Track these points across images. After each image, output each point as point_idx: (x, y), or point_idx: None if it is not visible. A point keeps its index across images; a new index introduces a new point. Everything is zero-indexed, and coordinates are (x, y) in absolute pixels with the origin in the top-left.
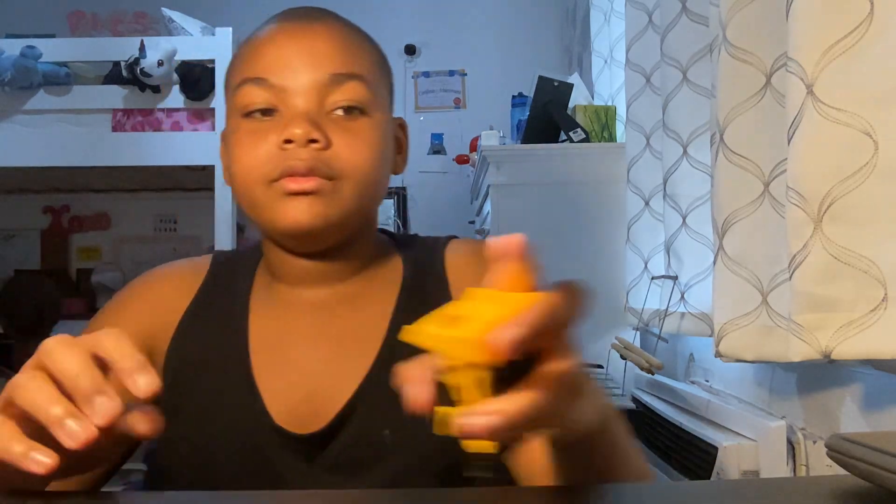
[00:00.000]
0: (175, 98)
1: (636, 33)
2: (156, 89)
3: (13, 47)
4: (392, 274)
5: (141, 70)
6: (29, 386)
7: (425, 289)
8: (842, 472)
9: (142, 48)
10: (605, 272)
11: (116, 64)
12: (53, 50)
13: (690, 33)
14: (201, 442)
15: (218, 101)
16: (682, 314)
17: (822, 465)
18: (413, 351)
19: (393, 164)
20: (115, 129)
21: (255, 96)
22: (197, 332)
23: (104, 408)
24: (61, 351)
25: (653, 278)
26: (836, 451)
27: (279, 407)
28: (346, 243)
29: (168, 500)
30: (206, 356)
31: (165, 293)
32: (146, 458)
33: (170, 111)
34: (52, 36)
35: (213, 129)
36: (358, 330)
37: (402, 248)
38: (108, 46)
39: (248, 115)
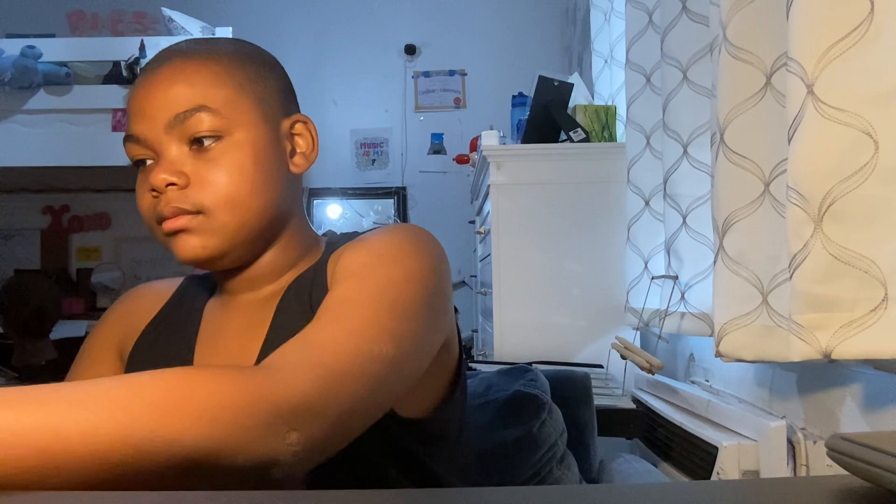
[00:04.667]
0: None
1: (636, 33)
2: None
3: (13, 47)
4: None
5: (141, 70)
6: None
7: (312, 276)
8: (842, 472)
9: (142, 48)
10: (605, 272)
11: (116, 64)
12: (53, 50)
13: (691, 33)
14: None
15: None
16: (683, 314)
17: (822, 465)
18: (293, 317)
19: (291, 164)
20: (115, 129)
21: (131, 151)
22: (155, 338)
23: None
24: None
25: (653, 278)
26: (836, 451)
27: None
28: (260, 253)
29: (163, 499)
30: (161, 355)
31: (138, 306)
32: None
33: None
34: (52, 36)
35: None
36: (264, 320)
37: (332, 245)
38: (108, 46)
39: (137, 166)
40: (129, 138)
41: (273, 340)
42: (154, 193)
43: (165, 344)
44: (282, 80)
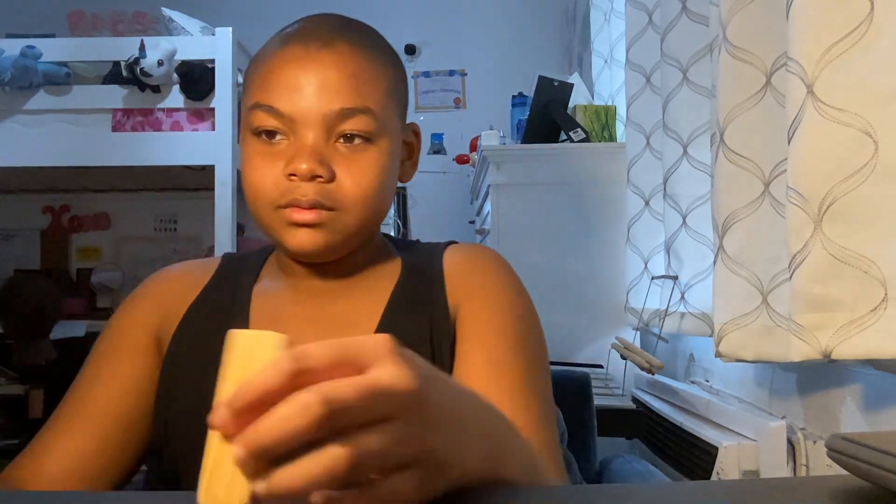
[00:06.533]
0: (175, 98)
1: (636, 33)
2: (156, 89)
3: (13, 47)
4: (390, 271)
5: (141, 70)
6: None
7: (421, 282)
8: (842, 472)
9: (142, 48)
10: (605, 272)
11: (116, 64)
12: (53, 50)
13: (690, 33)
14: (197, 422)
15: (218, 100)
16: (682, 314)
17: (822, 465)
18: (405, 337)
19: (401, 171)
20: (115, 129)
21: (266, 121)
22: (199, 320)
23: None
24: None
25: (653, 278)
26: (836, 451)
27: None
28: (349, 252)
29: (163, 499)
30: (207, 341)
31: (174, 289)
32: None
33: (170, 111)
34: (52, 36)
35: (213, 128)
36: (350, 316)
37: (402, 250)
38: (108, 46)
39: (258, 134)
40: (267, 109)
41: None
42: (292, 178)
43: (212, 331)
44: (406, 84)
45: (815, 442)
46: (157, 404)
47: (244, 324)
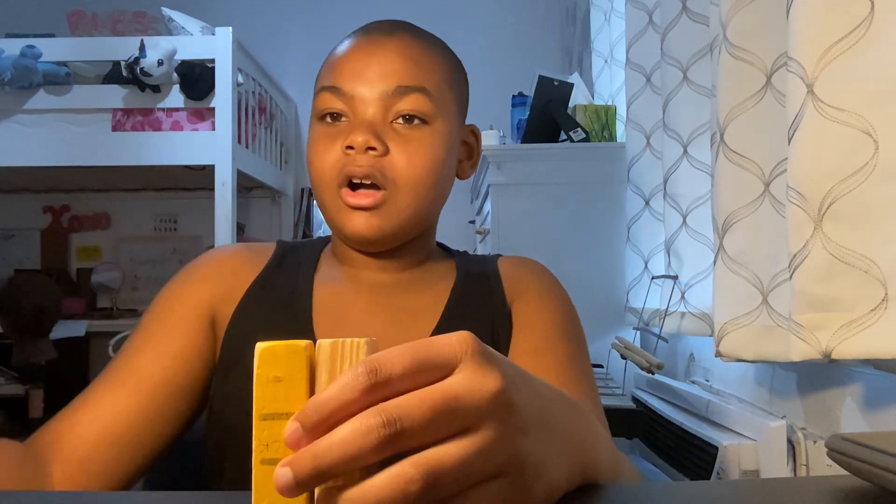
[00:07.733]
0: (175, 98)
1: (636, 33)
2: (156, 89)
3: (13, 47)
4: (447, 270)
5: (141, 70)
6: None
7: (480, 282)
8: (842, 472)
9: (142, 48)
10: (605, 272)
11: (116, 63)
12: (53, 49)
13: (691, 33)
14: (247, 407)
15: (218, 100)
16: (683, 314)
17: (822, 465)
18: (471, 326)
19: (459, 169)
20: (115, 129)
21: (329, 102)
22: (263, 298)
23: None
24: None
25: (653, 278)
26: (836, 451)
27: None
28: (406, 242)
29: (163, 499)
30: (272, 318)
31: (232, 267)
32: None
33: (170, 111)
34: (52, 35)
35: (213, 128)
36: (413, 307)
37: (456, 256)
38: (108, 46)
39: (322, 118)
40: (333, 90)
41: (448, 328)
42: (348, 151)
43: (274, 313)
44: (468, 88)
45: (815, 442)
46: (213, 384)
47: (308, 312)
